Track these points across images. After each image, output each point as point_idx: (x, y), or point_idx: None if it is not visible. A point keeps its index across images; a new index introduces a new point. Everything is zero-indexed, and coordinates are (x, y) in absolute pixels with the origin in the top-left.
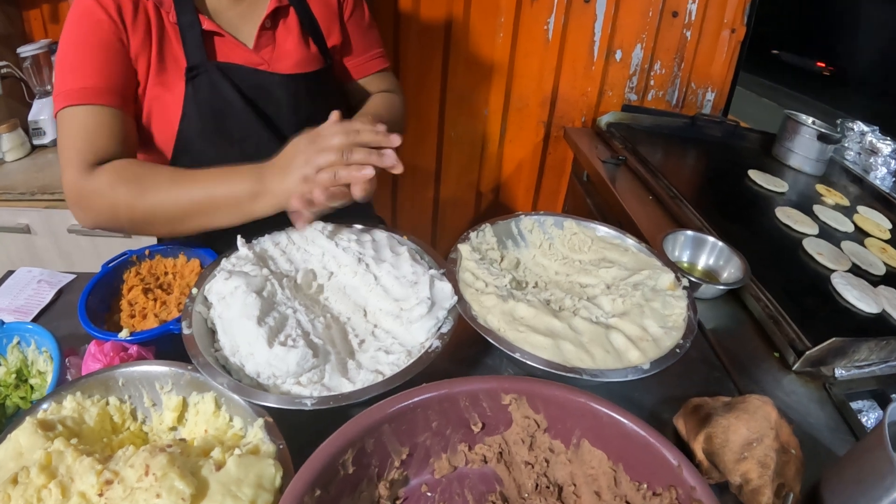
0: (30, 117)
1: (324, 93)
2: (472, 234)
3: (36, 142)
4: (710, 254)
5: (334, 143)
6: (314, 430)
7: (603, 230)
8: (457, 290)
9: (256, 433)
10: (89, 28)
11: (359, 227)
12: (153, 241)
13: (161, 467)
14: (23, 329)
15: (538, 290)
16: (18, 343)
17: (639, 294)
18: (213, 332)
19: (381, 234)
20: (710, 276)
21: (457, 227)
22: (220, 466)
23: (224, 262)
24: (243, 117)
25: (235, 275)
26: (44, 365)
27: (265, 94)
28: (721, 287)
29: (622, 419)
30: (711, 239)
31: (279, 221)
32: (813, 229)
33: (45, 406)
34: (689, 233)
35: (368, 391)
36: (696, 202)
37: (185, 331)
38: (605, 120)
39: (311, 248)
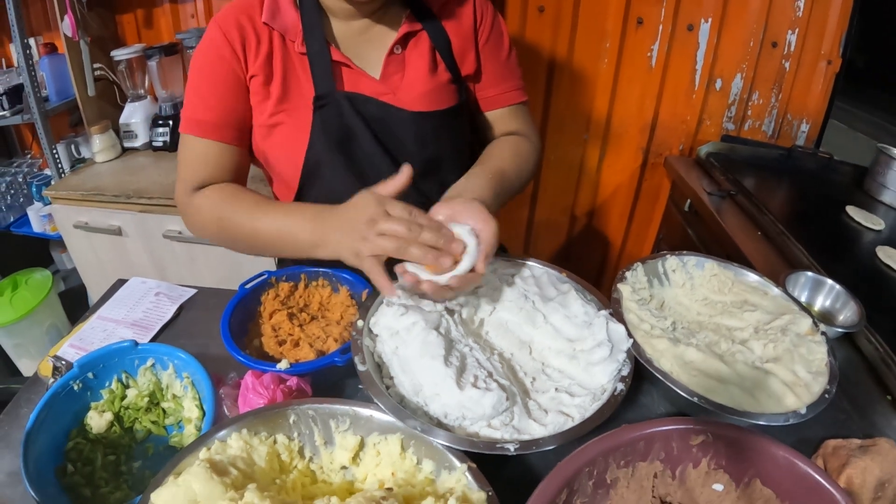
0: (121, 120)
1: (452, 131)
2: (629, 274)
3: (127, 144)
4: (826, 296)
5: (403, 215)
6: (507, 476)
7: (753, 277)
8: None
9: (460, 478)
10: (213, 61)
11: (515, 258)
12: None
13: None
14: (162, 352)
15: (690, 333)
16: (152, 365)
17: (788, 340)
18: (378, 367)
19: (539, 269)
20: (826, 317)
21: (548, 250)
22: None
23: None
24: (369, 148)
25: (412, 310)
26: (181, 389)
27: (389, 128)
28: (838, 330)
29: (797, 461)
30: (830, 282)
31: None
32: None
33: (208, 444)
34: (810, 274)
35: (567, 435)
36: (803, 239)
37: (360, 367)
38: (705, 150)
39: None
